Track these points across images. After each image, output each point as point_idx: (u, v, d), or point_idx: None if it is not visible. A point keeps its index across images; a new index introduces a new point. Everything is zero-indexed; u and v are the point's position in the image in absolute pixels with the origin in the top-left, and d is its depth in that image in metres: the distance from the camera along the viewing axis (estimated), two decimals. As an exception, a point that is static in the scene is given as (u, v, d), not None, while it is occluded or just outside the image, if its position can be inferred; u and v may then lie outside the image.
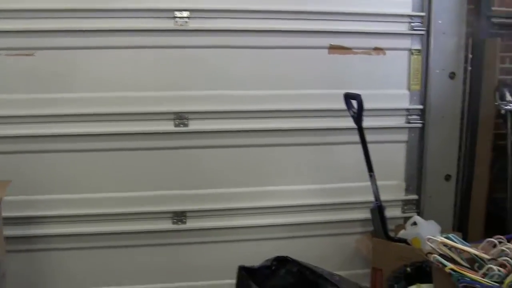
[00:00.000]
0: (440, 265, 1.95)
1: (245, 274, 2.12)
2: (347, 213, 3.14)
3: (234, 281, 2.38)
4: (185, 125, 2.91)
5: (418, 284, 2.21)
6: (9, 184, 2.40)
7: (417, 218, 2.98)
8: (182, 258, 3.02)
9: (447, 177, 3.21)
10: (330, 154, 3.09)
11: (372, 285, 2.86)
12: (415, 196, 3.24)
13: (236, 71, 2.92)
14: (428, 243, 2.06)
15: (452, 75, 3.13)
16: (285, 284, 2.20)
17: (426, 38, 3.10)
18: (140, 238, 2.94)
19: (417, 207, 3.25)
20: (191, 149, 2.94)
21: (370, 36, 3.03)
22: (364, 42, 3.03)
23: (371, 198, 2.88)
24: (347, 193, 3.12)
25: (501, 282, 1.86)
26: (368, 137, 2.80)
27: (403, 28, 3.09)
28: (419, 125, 3.17)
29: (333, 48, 3.01)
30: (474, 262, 2.00)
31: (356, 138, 2.79)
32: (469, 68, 3.24)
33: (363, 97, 2.70)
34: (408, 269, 2.36)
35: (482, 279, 1.87)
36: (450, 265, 1.93)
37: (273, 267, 2.21)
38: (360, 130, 2.78)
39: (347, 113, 2.82)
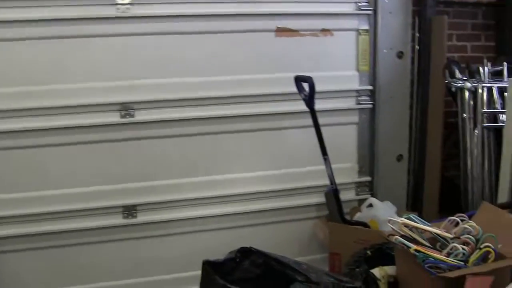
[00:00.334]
0: (404, 246, 1.94)
1: (210, 269, 2.05)
2: (301, 198, 3.13)
3: (195, 273, 2.28)
4: (131, 115, 2.83)
5: (381, 267, 2.18)
6: None
7: (372, 199, 2.99)
8: (138, 253, 2.95)
9: (399, 157, 3.24)
10: (281, 139, 3.07)
11: (330, 270, 2.84)
12: (368, 178, 3.25)
13: (181, 58, 2.85)
14: (389, 224, 2.04)
15: (400, 54, 3.14)
16: (252, 277, 2.14)
17: (373, 18, 3.10)
18: (91, 235, 2.86)
19: (371, 188, 3.27)
20: (139, 140, 2.87)
21: (317, 17, 3.01)
22: (311, 23, 3.01)
23: (325, 182, 2.87)
24: (300, 178, 3.10)
25: (465, 261, 1.86)
26: (319, 120, 2.77)
27: (350, 8, 3.09)
28: (370, 106, 3.18)
29: (280, 31, 2.97)
30: (435, 242, 2.00)
31: (307, 121, 2.77)
32: (417, 47, 3.27)
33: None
34: (369, 252, 2.33)
35: (447, 258, 1.87)
36: (414, 246, 1.91)
37: (238, 259, 2.15)
38: (313, 113, 2.74)
39: (297, 97, 2.78)
